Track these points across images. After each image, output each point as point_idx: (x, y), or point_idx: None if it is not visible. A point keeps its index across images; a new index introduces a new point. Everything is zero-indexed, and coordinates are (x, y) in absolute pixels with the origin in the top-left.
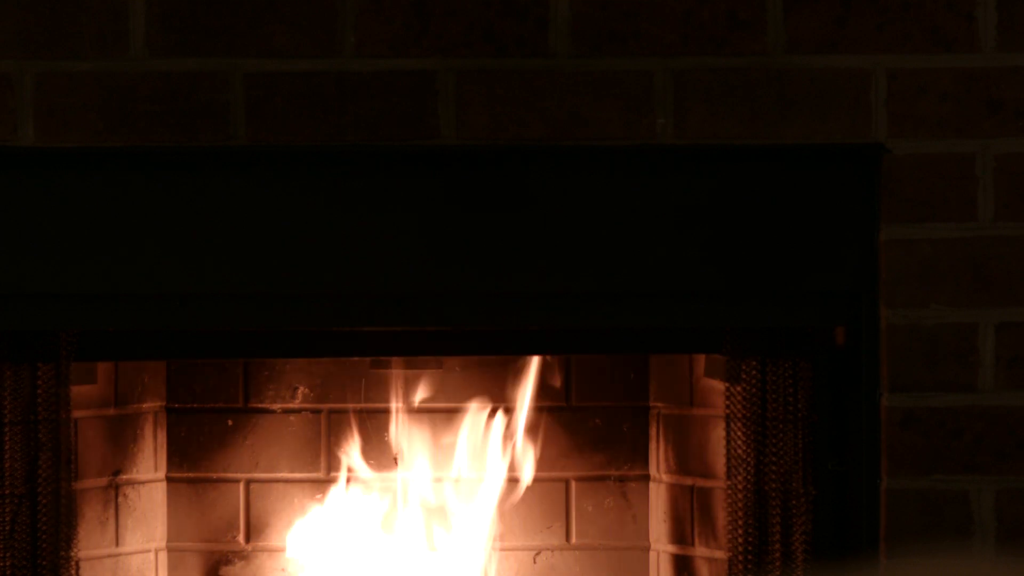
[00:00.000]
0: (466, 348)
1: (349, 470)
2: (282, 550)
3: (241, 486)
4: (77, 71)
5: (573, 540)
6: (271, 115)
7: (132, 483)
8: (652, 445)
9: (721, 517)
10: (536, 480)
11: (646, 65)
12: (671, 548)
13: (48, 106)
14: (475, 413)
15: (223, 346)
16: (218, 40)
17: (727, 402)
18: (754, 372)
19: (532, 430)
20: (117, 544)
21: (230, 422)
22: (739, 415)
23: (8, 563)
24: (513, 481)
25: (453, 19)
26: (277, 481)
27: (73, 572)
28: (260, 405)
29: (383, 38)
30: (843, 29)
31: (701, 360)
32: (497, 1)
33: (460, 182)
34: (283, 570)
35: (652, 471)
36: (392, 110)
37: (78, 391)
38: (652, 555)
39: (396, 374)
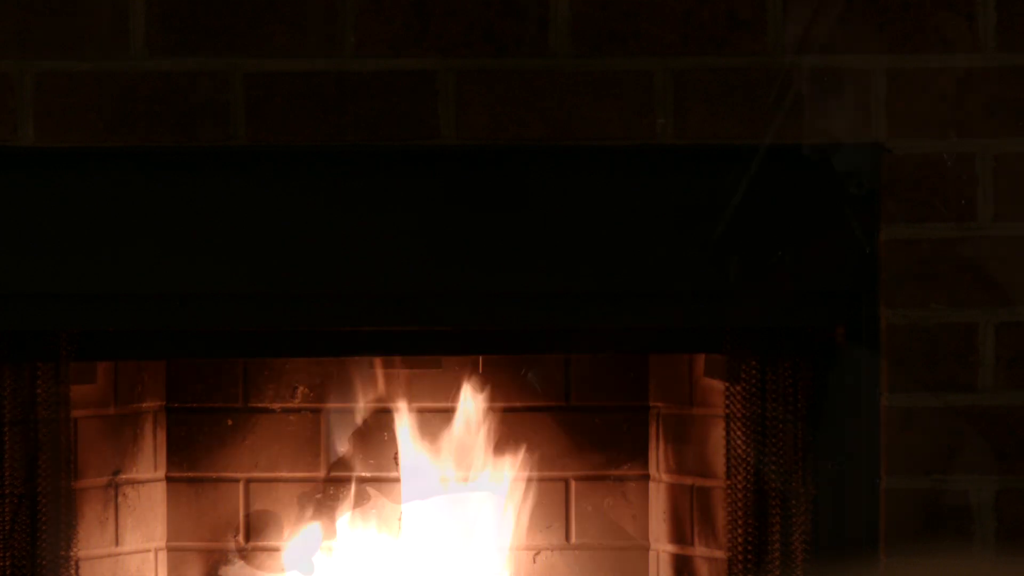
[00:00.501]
0: (466, 348)
1: (348, 469)
2: (282, 550)
3: (241, 486)
4: (77, 71)
5: (573, 540)
6: (271, 115)
7: (132, 483)
8: (652, 445)
9: (721, 517)
10: (536, 480)
11: (646, 65)
12: (671, 548)
13: (48, 106)
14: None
15: (223, 346)
16: (218, 40)
17: (727, 402)
18: (754, 372)
19: (530, 429)
20: (117, 544)
21: (230, 422)
22: (739, 415)
23: (8, 563)
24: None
25: (453, 19)
26: (277, 481)
27: (73, 572)
28: (260, 405)
29: (383, 38)
30: (843, 29)
31: (701, 360)
32: (497, 1)
33: (460, 182)
34: (283, 569)
35: (652, 471)
36: (392, 110)
37: (78, 391)
38: (652, 555)
39: (396, 373)
